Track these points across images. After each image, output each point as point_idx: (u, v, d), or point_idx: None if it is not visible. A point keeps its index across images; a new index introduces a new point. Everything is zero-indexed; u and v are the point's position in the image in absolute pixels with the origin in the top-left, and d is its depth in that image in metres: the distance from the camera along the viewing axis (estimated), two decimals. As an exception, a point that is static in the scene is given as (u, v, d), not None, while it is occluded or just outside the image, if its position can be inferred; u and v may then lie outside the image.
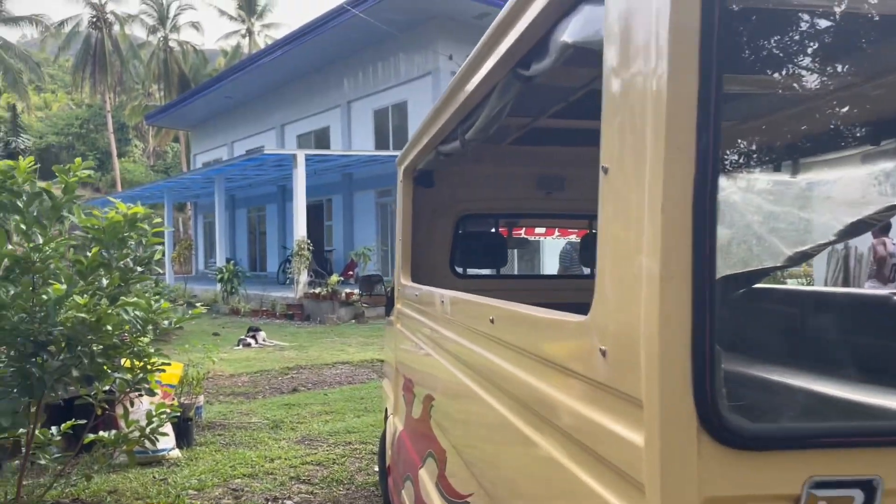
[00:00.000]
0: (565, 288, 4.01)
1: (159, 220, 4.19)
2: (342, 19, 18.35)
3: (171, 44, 45.94)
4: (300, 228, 17.03)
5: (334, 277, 16.28)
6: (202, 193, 27.45)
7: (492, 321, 1.63)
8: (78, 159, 4.00)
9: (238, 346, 11.80)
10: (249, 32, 47.39)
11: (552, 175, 3.83)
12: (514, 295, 3.80)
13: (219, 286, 18.43)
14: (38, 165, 4.00)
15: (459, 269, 3.93)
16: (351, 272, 20.11)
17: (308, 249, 16.86)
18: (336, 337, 13.22)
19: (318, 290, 16.25)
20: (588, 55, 1.37)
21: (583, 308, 2.42)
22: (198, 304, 4.79)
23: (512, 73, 1.70)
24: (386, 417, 4.43)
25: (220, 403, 7.49)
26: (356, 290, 15.86)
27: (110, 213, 3.92)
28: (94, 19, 41.91)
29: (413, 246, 3.61)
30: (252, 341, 12.02)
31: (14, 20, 39.87)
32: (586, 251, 4.07)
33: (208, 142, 32.38)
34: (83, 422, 4.59)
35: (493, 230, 4.08)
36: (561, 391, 1.17)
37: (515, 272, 14.63)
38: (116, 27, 43.09)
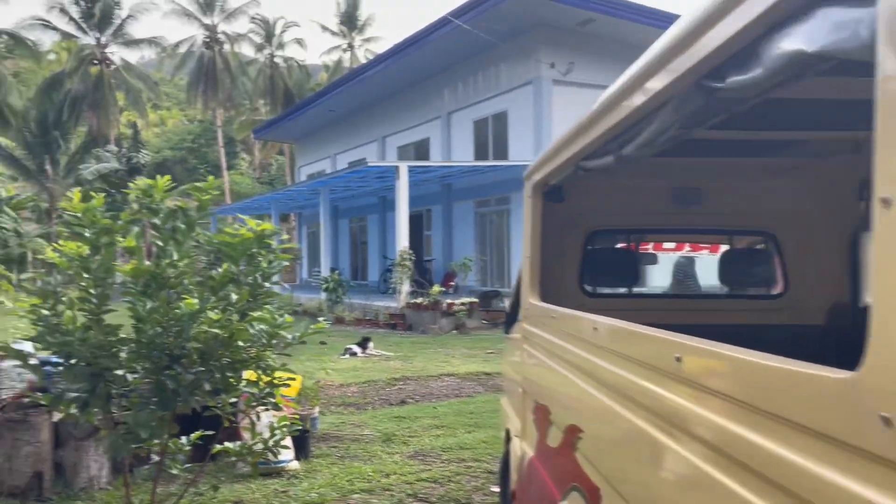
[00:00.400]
0: (707, 308, 3.77)
1: (286, 236, 4.24)
2: (444, 31, 18.48)
3: (277, 60, 47.82)
4: (402, 239, 17.20)
5: (436, 288, 16.33)
6: (306, 205, 28.28)
7: (678, 360, 1.48)
8: (211, 178, 4.10)
9: (344, 355, 11.98)
10: (350, 47, 48.73)
11: (689, 188, 3.62)
12: (651, 315, 3.60)
13: (323, 295, 18.86)
14: (174, 184, 4.14)
15: (589, 288, 3.77)
16: (451, 283, 20.15)
17: (409, 260, 17.00)
18: (439, 348, 13.22)
19: (419, 300, 16.33)
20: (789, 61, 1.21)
21: (728, 333, 2.20)
22: (320, 319, 4.83)
23: (696, 85, 1.55)
24: (508, 439, 4.31)
25: (332, 414, 7.58)
26: (458, 301, 15.86)
27: (241, 230, 3.99)
28: (207, 40, 44.15)
29: (541, 263, 3.48)
30: (358, 350, 12.17)
31: (135, 42, 42.51)
32: (727, 268, 3.82)
33: (312, 154, 33.37)
34: (210, 433, 4.71)
35: (624, 246, 3.89)
36: (801, 454, 1.01)
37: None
38: (227, 46, 45.23)
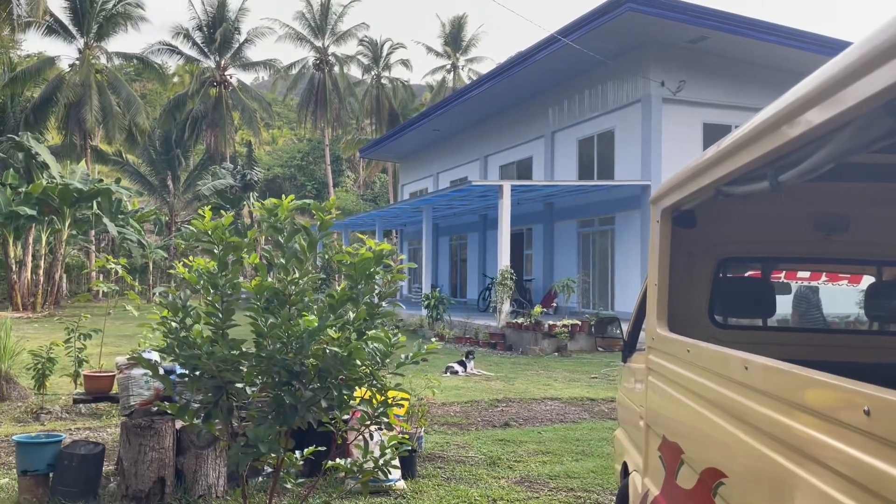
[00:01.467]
0: (849, 345, 3.48)
1: (403, 256, 4.26)
2: (550, 50, 18.38)
3: (383, 81, 49.08)
4: (504, 258, 17.11)
5: (537, 308, 16.12)
6: (409, 222, 28.71)
7: (867, 412, 1.33)
8: (332, 198, 4.18)
9: (446, 373, 11.97)
10: (454, 67, 49.39)
11: (834, 214, 3.36)
12: (787, 350, 3.35)
13: (424, 311, 19.01)
14: (297, 203, 4.24)
15: (719, 318, 3.56)
16: (552, 303, 19.86)
17: (510, 279, 16.88)
18: (541, 370, 13.01)
19: (520, 321, 16.17)
20: None
21: (876, 372, 1.97)
22: (433, 340, 4.81)
23: (886, 105, 1.40)
24: (625, 473, 4.12)
25: (435, 433, 7.55)
26: (559, 322, 15.59)
27: (361, 250, 4.04)
28: (318, 61, 45.90)
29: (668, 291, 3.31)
30: (460, 369, 12.15)
31: (251, 65, 44.72)
32: (875, 301, 3.52)
33: (415, 172, 33.92)
34: (322, 448, 4.77)
35: (757, 275, 3.66)
36: None
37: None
38: (336, 68, 46.83)
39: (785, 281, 4.29)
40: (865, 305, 3.48)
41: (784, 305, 8.71)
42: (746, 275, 3.81)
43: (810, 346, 3.42)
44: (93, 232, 30.35)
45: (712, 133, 18.18)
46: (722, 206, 3.31)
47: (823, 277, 4.27)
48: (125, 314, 9.37)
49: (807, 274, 4.15)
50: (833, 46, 17.26)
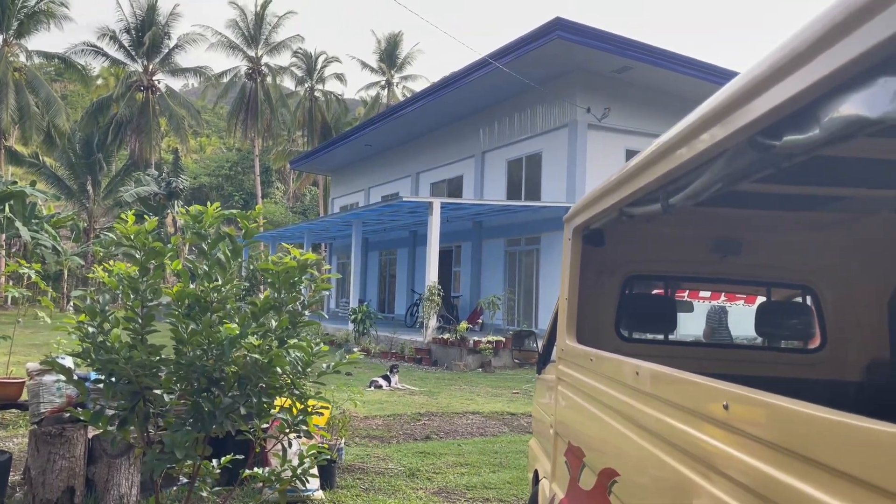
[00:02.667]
0: (742, 360, 3.76)
1: (328, 266, 4.33)
2: (482, 72, 18.78)
3: (317, 94, 48.81)
4: (432, 274, 17.28)
5: (463, 325, 16.32)
6: (338, 236, 28.59)
7: (725, 407, 1.51)
8: (259, 206, 4.23)
9: (370, 387, 11.99)
10: (389, 84, 49.62)
11: (728, 238, 3.64)
12: (685, 363, 3.61)
13: (351, 326, 18.95)
14: (223, 212, 4.26)
15: (625, 332, 3.78)
16: (478, 320, 20.13)
17: (438, 295, 17.05)
18: (464, 385, 13.18)
19: (446, 336, 16.34)
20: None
21: (764, 385, 2.20)
22: (354, 350, 4.89)
23: (750, 141, 1.61)
24: (536, 480, 4.30)
25: (357, 446, 7.59)
26: (484, 339, 15.83)
27: (285, 259, 4.10)
28: (251, 71, 45.29)
29: (578, 305, 3.51)
30: (384, 383, 12.19)
31: (182, 71, 43.76)
32: (765, 320, 3.81)
33: (346, 186, 33.84)
34: (240, 457, 4.77)
35: (662, 292, 3.91)
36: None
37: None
38: (269, 78, 46.32)
39: (688, 299, 4.58)
40: (756, 323, 3.77)
41: (691, 324, 9.17)
42: (653, 293, 4.06)
43: (708, 360, 3.68)
44: (3, 236, 28.97)
45: (635, 159, 18.91)
46: (628, 227, 3.54)
47: (722, 297, 4.58)
48: (35, 322, 9.03)
49: (708, 294, 4.45)
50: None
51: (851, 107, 1.18)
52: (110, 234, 32.96)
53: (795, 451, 1.24)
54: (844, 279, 3.52)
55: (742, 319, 10.21)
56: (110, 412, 4.09)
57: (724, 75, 18.31)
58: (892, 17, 1.05)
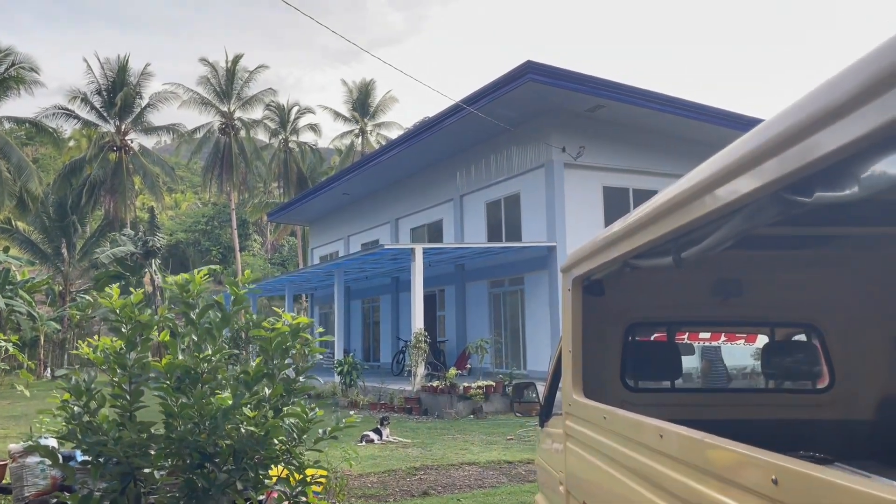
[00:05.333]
0: (750, 403, 3.69)
1: (321, 329, 4.22)
2: (456, 117, 18.95)
3: (291, 145, 48.98)
4: (418, 321, 17.12)
5: (453, 371, 16.12)
6: (319, 286, 28.38)
7: (774, 482, 1.43)
8: (248, 271, 4.12)
9: (361, 442, 11.72)
10: (362, 132, 49.94)
11: (729, 279, 3.59)
12: (693, 411, 3.51)
13: (337, 378, 18.65)
14: (205, 268, 4.16)
15: (631, 382, 3.70)
16: (466, 364, 19.92)
17: (425, 341, 16.86)
18: (457, 433, 12.94)
19: (435, 384, 16.10)
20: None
21: (775, 428, 2.10)
22: (351, 413, 4.74)
23: (774, 196, 1.55)
24: (546, 538, 4.15)
25: (353, 507, 7.35)
26: (474, 384, 15.62)
27: (277, 324, 3.98)
28: (224, 126, 45.39)
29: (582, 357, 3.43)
30: (375, 437, 11.92)
31: (154, 129, 43.75)
32: (770, 360, 3.76)
33: (325, 236, 33.73)
34: (237, 532, 4.56)
35: (665, 338, 3.84)
36: None
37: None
38: (243, 132, 46.44)
39: (688, 342, 4.52)
40: (762, 364, 3.71)
41: (691, 362, 9.13)
42: (653, 338, 3.99)
43: (715, 406, 3.60)
44: (-23, 305, 28.36)
45: (611, 195, 19.09)
46: (628, 275, 3.49)
47: (723, 338, 4.53)
48: (12, 393, 8.75)
49: (708, 335, 4.40)
50: (719, 116, 18.63)
51: (891, 166, 1.13)
52: (86, 297, 32.42)
53: None
54: (849, 316, 3.48)
55: (734, 352, 10.21)
56: (99, 494, 3.91)
57: (693, 109, 18.68)
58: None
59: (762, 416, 3.51)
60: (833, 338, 3.55)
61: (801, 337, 3.84)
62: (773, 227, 2.74)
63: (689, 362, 7.44)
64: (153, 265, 32.81)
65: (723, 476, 1.69)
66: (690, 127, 18.70)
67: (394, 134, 46.99)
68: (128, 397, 3.78)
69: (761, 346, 3.91)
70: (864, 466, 2.31)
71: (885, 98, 1.10)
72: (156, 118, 47.11)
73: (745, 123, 16.16)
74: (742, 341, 4.44)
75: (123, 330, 3.81)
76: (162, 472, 4.00)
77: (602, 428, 2.83)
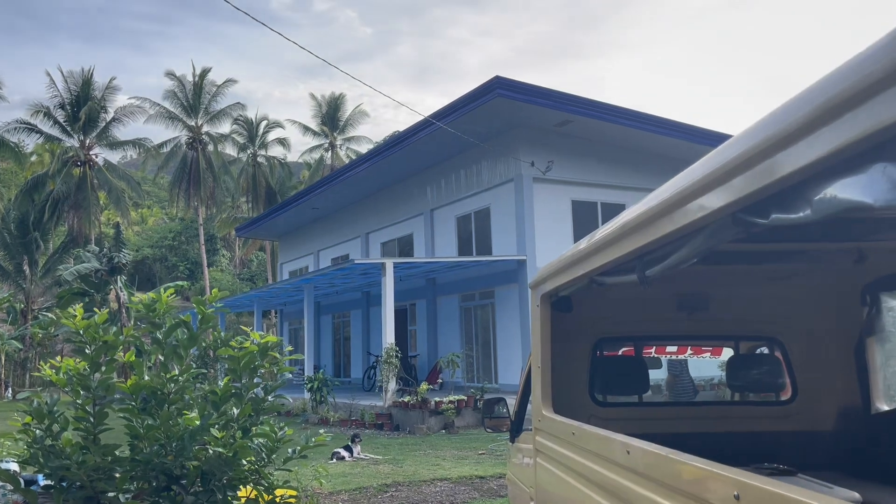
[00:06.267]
0: (715, 416, 3.74)
1: (291, 348, 4.19)
2: (426, 132, 19.02)
3: (260, 159, 48.66)
4: (389, 335, 17.06)
5: (424, 386, 16.07)
6: (289, 301, 28.14)
7: (736, 498, 1.45)
8: (215, 290, 4.08)
9: (332, 459, 11.62)
10: (332, 146, 49.82)
11: (695, 294, 3.66)
12: (660, 425, 3.56)
13: (308, 395, 18.48)
14: (172, 285, 4.11)
15: (599, 397, 3.73)
16: (438, 379, 19.88)
17: (396, 356, 16.80)
18: (429, 449, 12.89)
19: (407, 399, 16.04)
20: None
21: (740, 441, 2.14)
22: (322, 432, 4.71)
23: (734, 217, 1.59)
24: (518, 554, 4.15)
25: (324, 526, 7.28)
26: (445, 399, 15.59)
27: (245, 343, 3.94)
28: (191, 140, 44.94)
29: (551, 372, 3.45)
30: (346, 454, 11.83)
31: (120, 144, 43.15)
32: (735, 374, 3.82)
33: (294, 251, 33.50)
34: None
35: (631, 353, 3.89)
36: None
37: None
38: (210, 147, 46.01)
39: (656, 355, 4.58)
40: (727, 377, 3.77)
41: (659, 375, 9.24)
42: (620, 352, 4.04)
43: (682, 420, 3.65)
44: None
45: (580, 209, 19.29)
46: (595, 290, 3.53)
47: (689, 351, 4.59)
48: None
49: (674, 348, 4.47)
50: (686, 131, 18.95)
51: (848, 192, 1.17)
52: (49, 315, 31.73)
53: None
54: (810, 329, 3.56)
55: (700, 364, 10.36)
56: (62, 520, 3.82)
57: (658, 124, 18.98)
58: (884, 102, 1.05)
59: (728, 429, 3.56)
60: (795, 351, 3.62)
61: (765, 350, 3.91)
62: (737, 243, 2.80)
63: (657, 376, 7.54)
64: (119, 282, 32.25)
65: (687, 491, 1.72)
66: (658, 142, 19.01)
67: (364, 148, 46.96)
68: (92, 419, 3.70)
69: (726, 359, 3.98)
70: (825, 477, 2.36)
71: (836, 124, 1.14)
72: (121, 132, 46.54)
73: (713, 139, 16.48)
74: (708, 355, 4.52)
75: (87, 351, 3.74)
76: (127, 496, 3.92)
77: (571, 444, 2.85)
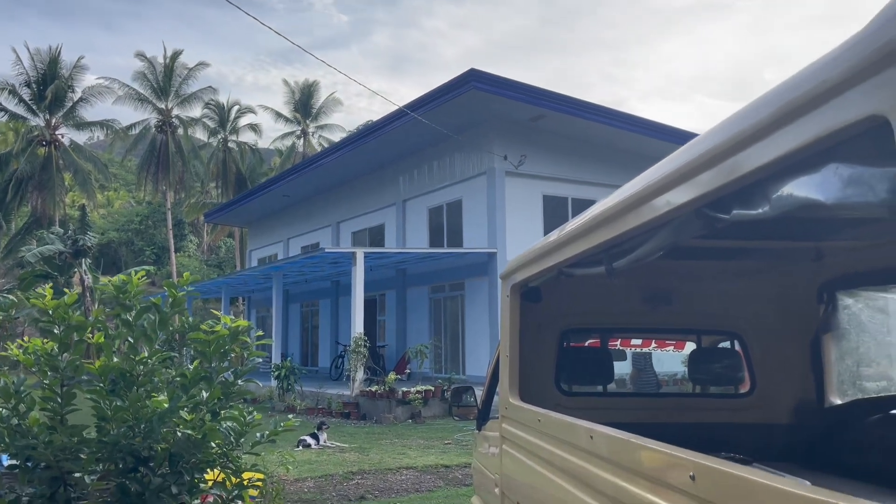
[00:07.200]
0: (676, 407, 3.85)
1: (261, 332, 4.21)
2: (400, 123, 19.01)
3: (230, 145, 48.07)
4: (357, 325, 17.07)
5: (392, 375, 16.13)
6: (257, 289, 27.95)
7: (692, 478, 1.53)
8: (186, 274, 4.08)
9: (298, 447, 11.62)
10: (304, 133, 49.40)
11: (659, 289, 3.76)
12: (622, 414, 3.66)
13: (274, 382, 18.42)
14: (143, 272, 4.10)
15: (565, 386, 3.82)
16: (406, 369, 19.95)
17: (364, 346, 16.82)
18: (395, 438, 12.96)
19: (374, 388, 16.08)
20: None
21: (699, 431, 2.23)
22: (290, 417, 4.73)
23: (697, 212, 1.67)
24: (482, 539, 4.23)
25: (289, 512, 7.30)
26: (413, 389, 15.67)
27: (216, 327, 3.95)
28: (161, 123, 44.24)
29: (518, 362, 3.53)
30: (312, 442, 11.84)
31: (87, 125, 42.33)
32: (697, 367, 3.94)
33: (264, 238, 33.25)
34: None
35: (597, 344, 3.98)
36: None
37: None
38: (181, 130, 45.35)
39: (621, 348, 4.69)
40: (689, 370, 3.88)
41: (624, 367, 9.40)
42: (587, 344, 4.13)
43: (644, 410, 3.76)
44: None
45: (551, 203, 19.46)
46: (564, 282, 3.61)
47: (653, 344, 4.71)
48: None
49: (639, 341, 4.57)
50: (657, 129, 19.19)
51: (804, 189, 1.25)
52: (10, 297, 31.09)
53: None
54: (768, 325, 3.68)
55: (664, 358, 10.56)
56: (27, 499, 3.80)
57: (631, 122, 19.21)
58: (837, 107, 1.12)
59: (689, 420, 3.68)
60: (754, 345, 3.74)
61: (727, 344, 4.04)
62: (701, 239, 2.90)
63: (621, 370, 7.68)
64: (83, 265, 31.72)
65: (647, 474, 1.80)
66: (629, 139, 19.23)
67: (336, 137, 46.60)
68: (59, 400, 3.69)
69: (689, 352, 4.10)
70: (780, 467, 2.46)
71: (791, 127, 1.22)
72: (89, 113, 45.39)
73: (682, 137, 16.72)
74: (671, 348, 4.64)
75: (56, 331, 3.72)
76: (93, 477, 3.92)
77: (537, 430, 2.93)
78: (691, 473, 1.54)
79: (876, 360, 3.93)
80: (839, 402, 3.48)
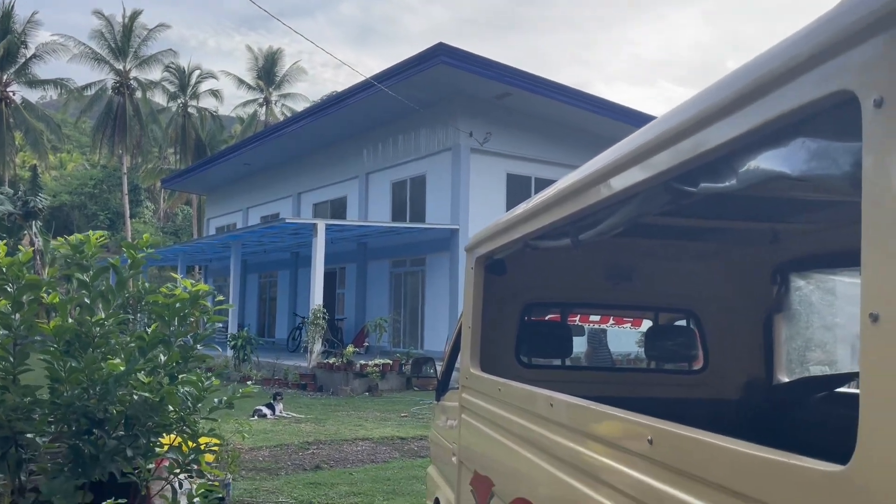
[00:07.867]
0: (632, 382, 3.95)
1: (221, 297, 4.17)
2: (366, 94, 18.81)
3: (190, 110, 47.04)
4: (317, 297, 16.98)
5: (350, 348, 16.12)
6: (215, 258, 27.57)
7: (650, 442, 1.58)
8: (146, 235, 4.01)
9: (254, 416, 11.58)
10: (267, 101, 48.59)
11: (621, 265, 3.82)
12: (580, 388, 3.73)
13: (230, 352, 18.26)
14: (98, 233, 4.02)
15: (525, 359, 3.88)
16: (364, 342, 19.95)
17: (323, 318, 16.76)
18: (352, 410, 13.00)
19: (331, 361, 16.06)
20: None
21: (653, 405, 2.31)
22: (249, 383, 4.71)
23: (665, 185, 1.70)
24: (437, 508, 4.29)
25: (244, 480, 7.28)
26: (371, 362, 15.70)
27: (176, 290, 3.90)
28: (118, 85, 43.02)
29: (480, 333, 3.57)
30: (268, 412, 11.81)
31: (40, 83, 40.94)
32: (653, 343, 4.03)
33: (223, 206, 32.73)
34: (123, 501, 4.46)
35: (557, 319, 4.04)
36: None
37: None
38: (139, 93, 44.17)
39: (579, 323, 4.77)
40: (645, 346, 3.97)
41: (579, 345, 9.54)
42: (547, 318, 4.19)
43: (601, 384, 3.83)
44: None
45: (515, 182, 19.53)
46: (528, 255, 3.64)
47: (611, 321, 4.79)
48: None
49: (598, 317, 4.66)
50: (622, 112, 19.34)
51: (770, 163, 1.28)
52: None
53: (721, 485, 1.31)
54: (723, 304, 3.78)
55: (619, 337, 10.74)
56: (-26, 461, 3.73)
57: (598, 104, 19.33)
58: (807, 82, 1.15)
59: (643, 395, 3.76)
60: (709, 324, 3.84)
61: (682, 322, 4.13)
62: (662, 217, 2.95)
63: (577, 348, 7.81)
64: (34, 227, 30.85)
65: (606, 439, 1.85)
66: (594, 121, 19.35)
67: (300, 106, 45.92)
68: (11, 359, 3.62)
69: (645, 330, 4.19)
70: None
71: (762, 102, 1.25)
72: (42, 71, 43.99)
73: (646, 121, 16.89)
74: (629, 325, 4.73)
75: (9, 289, 3.63)
76: (45, 439, 3.86)
77: (497, 399, 2.97)
78: (649, 437, 1.58)
79: (824, 341, 4.07)
80: (786, 379, 3.61)
